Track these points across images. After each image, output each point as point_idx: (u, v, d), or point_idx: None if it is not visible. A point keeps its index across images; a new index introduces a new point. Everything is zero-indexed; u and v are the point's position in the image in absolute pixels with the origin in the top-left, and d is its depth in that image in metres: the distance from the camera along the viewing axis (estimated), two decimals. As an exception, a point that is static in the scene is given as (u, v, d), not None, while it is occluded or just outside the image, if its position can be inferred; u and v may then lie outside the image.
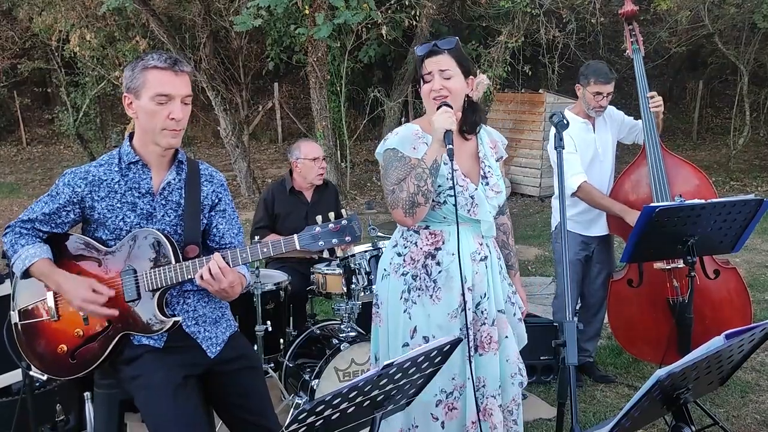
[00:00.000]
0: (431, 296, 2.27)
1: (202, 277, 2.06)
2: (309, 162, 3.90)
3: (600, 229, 3.61)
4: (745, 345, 1.80)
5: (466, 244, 2.27)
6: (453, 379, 2.25)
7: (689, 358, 1.63)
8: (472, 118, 2.34)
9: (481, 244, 2.32)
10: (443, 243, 2.28)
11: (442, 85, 2.21)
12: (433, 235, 2.30)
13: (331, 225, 2.06)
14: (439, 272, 2.27)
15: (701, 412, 2.22)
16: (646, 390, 1.57)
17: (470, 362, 2.21)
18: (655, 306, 3.45)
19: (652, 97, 3.43)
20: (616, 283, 3.57)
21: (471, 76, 2.28)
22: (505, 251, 2.55)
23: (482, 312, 2.29)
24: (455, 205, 2.17)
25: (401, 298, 2.30)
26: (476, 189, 2.28)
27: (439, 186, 2.23)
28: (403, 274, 2.30)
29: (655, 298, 3.45)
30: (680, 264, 3.22)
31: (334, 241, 2.05)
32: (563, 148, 2.18)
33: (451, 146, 2.09)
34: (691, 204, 2.74)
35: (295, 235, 2.05)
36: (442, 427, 2.27)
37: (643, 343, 3.56)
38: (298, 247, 2.05)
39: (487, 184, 2.32)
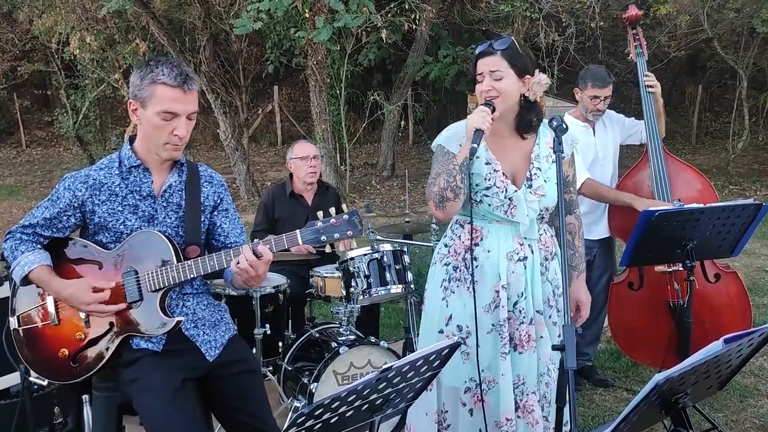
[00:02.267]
0: (468, 288, 2.33)
1: (238, 263, 2.02)
2: (298, 161, 3.93)
3: (601, 231, 3.61)
4: (744, 349, 1.80)
5: (504, 243, 2.32)
6: (482, 371, 2.28)
7: (688, 362, 1.63)
8: (527, 117, 2.32)
9: (521, 245, 2.33)
10: (481, 239, 2.34)
11: (491, 86, 2.22)
12: (474, 231, 2.35)
13: (332, 220, 2.06)
14: (476, 267, 2.32)
15: (700, 416, 2.22)
16: (645, 394, 1.57)
17: (474, 359, 2.25)
18: (656, 309, 3.45)
19: (647, 76, 3.44)
20: (616, 286, 3.57)
21: (527, 76, 2.26)
22: (569, 251, 2.52)
23: (520, 311, 2.32)
24: (470, 201, 2.22)
25: (441, 286, 2.39)
26: (516, 191, 2.28)
27: (477, 185, 2.28)
28: (445, 264, 2.40)
29: (656, 301, 3.45)
30: (681, 267, 3.22)
31: (336, 235, 2.06)
32: (562, 152, 2.18)
33: (475, 145, 2.12)
34: (690, 208, 2.75)
35: (298, 231, 2.06)
36: (471, 415, 2.33)
37: (643, 347, 3.55)
38: (300, 243, 2.05)
39: (530, 186, 2.31)
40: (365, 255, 3.40)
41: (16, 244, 2.16)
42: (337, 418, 1.53)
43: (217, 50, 11.62)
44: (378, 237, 3.70)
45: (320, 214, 2.10)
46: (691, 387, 1.74)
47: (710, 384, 1.87)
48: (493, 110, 2.20)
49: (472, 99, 11.28)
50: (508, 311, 2.31)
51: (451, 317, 2.36)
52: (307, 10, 8.12)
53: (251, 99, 14.23)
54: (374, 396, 1.59)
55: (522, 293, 2.32)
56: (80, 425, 2.81)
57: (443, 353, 1.74)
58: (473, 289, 2.30)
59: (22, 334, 2.24)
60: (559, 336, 2.40)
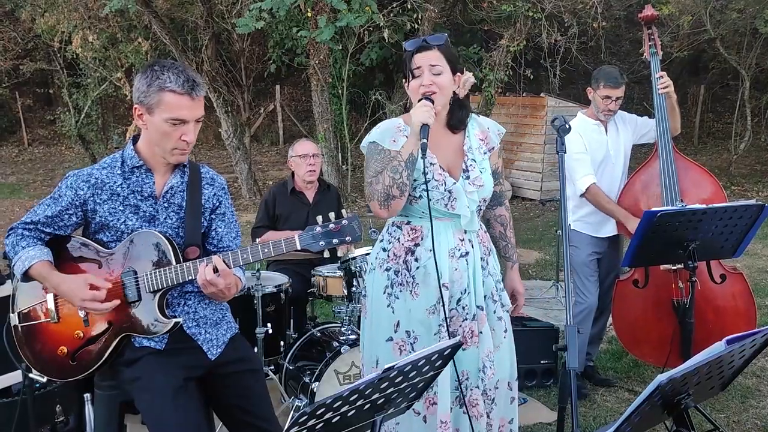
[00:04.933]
0: (411, 292, 2.30)
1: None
2: (298, 159, 3.94)
3: (609, 230, 3.62)
4: (746, 350, 1.79)
5: (445, 240, 2.28)
6: None
7: (690, 363, 1.63)
8: (458, 114, 2.35)
9: (462, 240, 2.31)
10: (422, 239, 2.30)
11: (432, 80, 2.21)
12: (413, 231, 2.32)
13: (331, 225, 2.05)
14: (417, 268, 2.29)
15: (702, 417, 2.22)
16: (647, 395, 1.57)
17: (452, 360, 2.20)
18: (660, 307, 3.45)
19: (661, 77, 3.47)
20: (621, 284, 3.58)
21: (458, 73, 2.29)
22: (502, 243, 2.54)
23: (463, 308, 2.30)
24: (428, 200, 2.19)
25: (384, 293, 2.33)
26: (455, 183, 2.28)
27: (415, 180, 2.25)
28: (386, 270, 2.34)
29: (660, 300, 3.45)
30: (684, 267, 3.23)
31: (335, 241, 2.05)
32: (565, 152, 2.18)
33: (425, 140, 2.10)
34: (692, 209, 2.75)
35: (296, 235, 2.05)
36: (425, 422, 2.29)
37: (646, 345, 3.56)
38: (298, 247, 2.04)
39: (468, 177, 2.31)
40: (367, 254, 3.40)
41: (17, 240, 2.17)
42: (338, 417, 1.53)
43: (219, 49, 11.61)
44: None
45: (320, 218, 2.08)
46: (694, 388, 1.74)
47: (712, 385, 1.86)
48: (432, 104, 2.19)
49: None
50: (451, 309, 2.28)
51: (398, 324, 2.30)
52: (309, 10, 8.12)
53: (253, 98, 14.21)
54: (376, 395, 1.59)
55: (465, 289, 2.30)
56: (82, 424, 2.81)
57: (445, 353, 1.74)
58: (440, 288, 2.22)
59: (21, 331, 2.24)
60: (506, 331, 2.38)
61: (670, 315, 3.41)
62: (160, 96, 2.03)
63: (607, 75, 3.48)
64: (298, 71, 13.44)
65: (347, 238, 2.04)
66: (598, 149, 3.54)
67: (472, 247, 2.33)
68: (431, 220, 2.20)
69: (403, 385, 1.66)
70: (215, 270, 2.05)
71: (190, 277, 2.08)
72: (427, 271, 2.27)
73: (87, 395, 2.60)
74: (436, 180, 2.26)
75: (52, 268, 2.13)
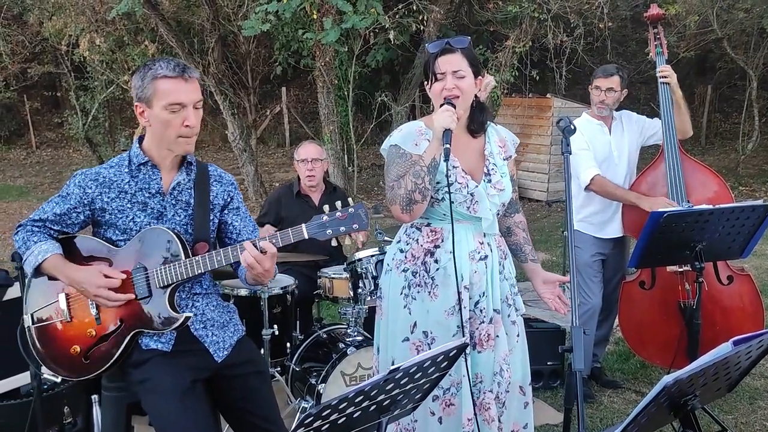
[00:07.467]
0: (429, 293, 2.30)
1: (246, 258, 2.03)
2: (298, 164, 3.97)
3: (614, 230, 3.60)
4: (753, 351, 1.79)
5: (465, 243, 2.29)
6: (450, 375, 2.24)
7: (697, 364, 1.62)
8: (479, 118, 2.36)
9: (482, 243, 2.32)
10: (442, 241, 2.31)
11: (455, 84, 2.22)
12: (433, 233, 2.32)
13: (338, 213, 2.05)
14: (437, 270, 2.29)
15: (709, 418, 2.21)
16: (653, 396, 1.57)
17: (466, 360, 2.21)
18: (666, 309, 3.44)
19: (662, 69, 3.47)
20: (628, 285, 3.57)
21: (480, 76, 2.30)
22: (527, 247, 2.54)
23: (481, 311, 2.31)
24: (450, 203, 2.20)
25: (401, 293, 2.34)
26: (477, 186, 2.29)
27: (438, 183, 2.25)
28: (403, 271, 2.34)
29: (667, 301, 3.44)
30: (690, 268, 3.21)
31: (342, 229, 2.05)
32: (570, 153, 2.18)
33: (447, 145, 2.11)
34: (699, 209, 2.74)
35: (303, 225, 2.05)
36: (440, 423, 2.29)
37: (653, 346, 3.55)
38: (306, 236, 2.05)
39: (489, 181, 2.33)
40: (372, 256, 3.40)
41: (27, 236, 2.18)
42: (344, 418, 1.53)
43: (226, 52, 11.65)
44: (386, 238, 3.70)
45: (326, 207, 2.10)
46: (700, 389, 1.73)
47: (719, 386, 1.86)
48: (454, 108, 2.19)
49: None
50: (470, 311, 2.29)
51: (415, 324, 2.30)
52: (315, 12, 8.14)
53: (259, 100, 14.27)
54: (382, 397, 1.59)
55: (484, 292, 2.31)
56: (89, 425, 2.83)
57: (451, 354, 1.74)
58: (461, 291, 2.23)
59: (35, 332, 2.25)
60: (518, 335, 2.40)
61: (676, 316, 3.40)
62: (155, 84, 2.07)
63: (601, 68, 3.53)
64: (304, 73, 13.48)
65: (354, 226, 2.04)
66: (601, 149, 3.53)
67: (491, 250, 2.35)
68: (452, 224, 2.21)
69: (408, 387, 1.66)
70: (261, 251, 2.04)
71: (200, 271, 2.10)
72: (447, 273, 2.27)
73: (95, 396, 2.62)
74: (459, 183, 2.27)
75: (65, 261, 2.15)
